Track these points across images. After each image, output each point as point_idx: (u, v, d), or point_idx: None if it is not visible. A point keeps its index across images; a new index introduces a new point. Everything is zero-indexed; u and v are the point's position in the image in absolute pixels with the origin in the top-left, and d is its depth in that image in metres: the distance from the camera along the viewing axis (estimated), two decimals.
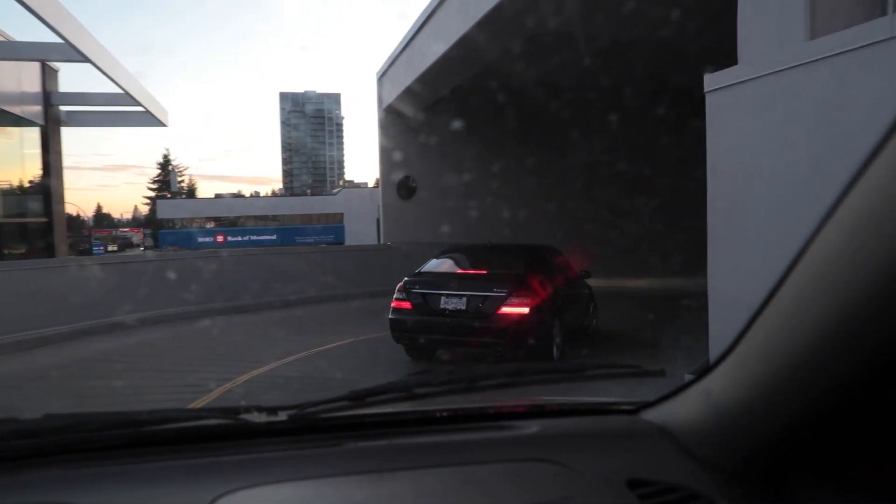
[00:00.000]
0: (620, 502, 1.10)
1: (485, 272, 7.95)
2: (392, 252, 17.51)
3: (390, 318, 7.79)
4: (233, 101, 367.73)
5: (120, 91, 15.89)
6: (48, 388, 7.30)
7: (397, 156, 18.75)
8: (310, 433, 1.26)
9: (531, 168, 17.94)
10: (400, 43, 16.81)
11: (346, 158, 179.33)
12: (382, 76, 18.86)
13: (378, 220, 21.95)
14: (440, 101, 17.28)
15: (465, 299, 7.35)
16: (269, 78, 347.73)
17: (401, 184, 18.98)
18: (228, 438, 1.23)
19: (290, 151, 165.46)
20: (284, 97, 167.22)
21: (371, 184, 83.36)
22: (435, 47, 13.58)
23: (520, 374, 1.47)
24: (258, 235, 49.60)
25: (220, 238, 48.75)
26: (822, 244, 0.84)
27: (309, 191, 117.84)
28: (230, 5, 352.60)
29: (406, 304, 7.67)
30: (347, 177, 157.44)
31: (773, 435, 1.02)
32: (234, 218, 60.26)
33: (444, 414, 1.39)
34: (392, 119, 18.78)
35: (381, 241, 19.27)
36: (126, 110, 18.63)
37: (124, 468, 1.11)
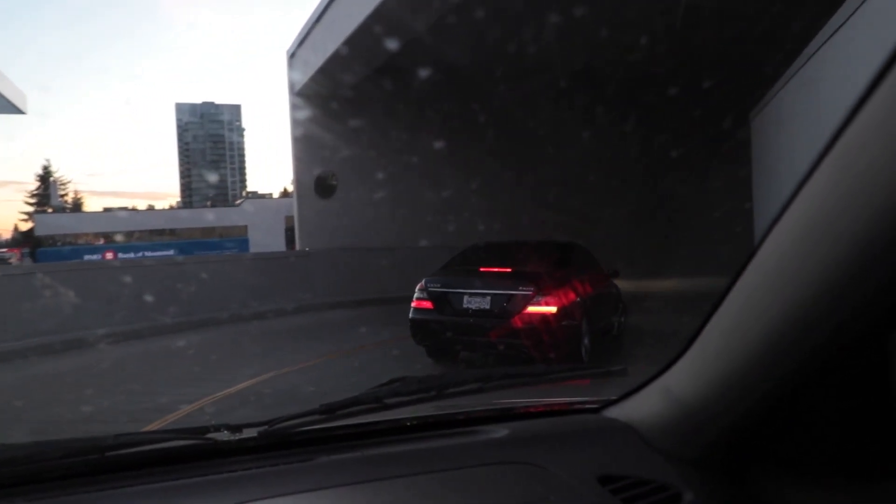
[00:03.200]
0: (593, 499, 1.13)
1: (509, 270, 7.47)
2: (312, 260, 14.88)
3: (411, 318, 7.48)
4: (125, 114, 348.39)
5: None
6: None
7: (314, 149, 16.13)
8: (281, 449, 1.24)
9: (476, 161, 15.86)
10: (316, 9, 14.23)
11: (248, 170, 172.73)
12: (294, 54, 16.19)
13: (287, 231, 19.38)
14: (367, 81, 14.81)
15: (489, 298, 7.01)
16: (165, 89, 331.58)
17: (319, 181, 16.35)
18: (198, 459, 1.19)
19: (189, 164, 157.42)
20: (181, 108, 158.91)
21: (276, 195, 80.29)
22: (361, 6, 11.19)
23: (489, 379, 1.54)
24: (153, 251, 45.23)
25: (109, 255, 44.25)
26: (773, 244, 0.88)
27: (209, 202, 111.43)
28: (120, 19, 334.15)
29: (427, 304, 7.34)
30: (251, 188, 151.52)
31: (731, 426, 1.06)
32: (127, 233, 55.60)
33: (416, 423, 1.38)
34: (307, 106, 16.13)
35: (298, 248, 16.50)
36: None
37: (91, 496, 1.07)
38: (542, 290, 6.87)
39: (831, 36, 6.87)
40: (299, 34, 15.68)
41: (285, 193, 69.10)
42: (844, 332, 0.82)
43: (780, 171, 10.57)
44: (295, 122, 16.42)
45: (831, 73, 6.95)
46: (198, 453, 1.21)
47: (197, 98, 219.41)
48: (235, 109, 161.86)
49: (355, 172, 16.04)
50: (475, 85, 15.59)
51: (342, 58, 12.99)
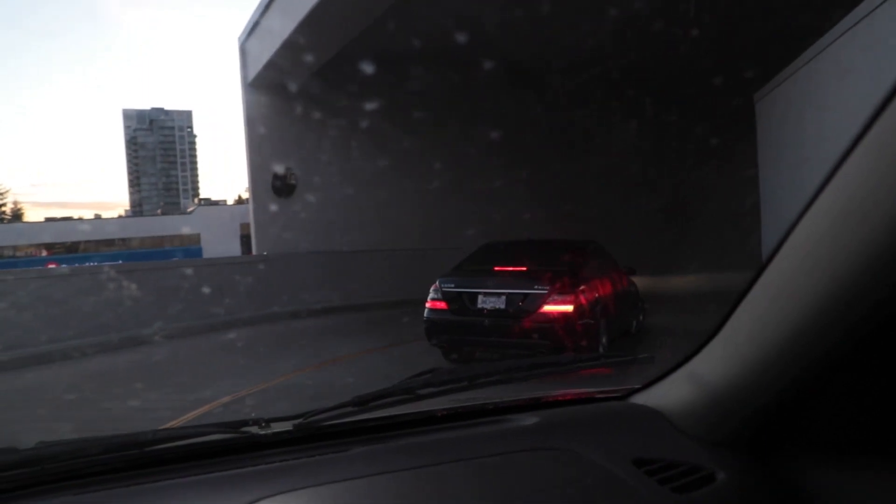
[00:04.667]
0: (631, 481, 1.14)
1: (525, 269, 7.33)
2: (271, 265, 13.54)
3: (425, 319, 7.39)
4: (71, 123, 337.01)
5: None
6: None
7: (270, 145, 14.80)
8: (315, 441, 1.26)
9: (454, 156, 14.75)
10: None
11: (201, 177, 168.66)
12: (246, 43, 14.83)
13: (244, 238, 17.99)
14: (329, 68, 13.56)
15: (504, 298, 6.92)
16: (112, 96, 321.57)
17: (277, 179, 15.01)
18: (235, 452, 1.21)
19: (138, 173, 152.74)
20: (129, 115, 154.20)
21: (231, 201, 78.13)
22: None
23: (517, 369, 1.54)
24: (101, 262, 43.09)
25: (52, 267, 41.84)
26: (806, 229, 0.91)
27: (160, 211, 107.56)
28: (65, 23, 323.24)
29: (441, 305, 7.26)
30: (204, 195, 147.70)
31: (761, 409, 1.09)
32: (72, 244, 52.94)
33: (447, 413, 1.40)
34: (262, 98, 14.79)
35: (256, 252, 15.10)
36: None
37: (132, 490, 1.09)
38: (557, 289, 6.73)
39: (852, 27, 6.91)
40: (251, 19, 14.34)
41: (240, 200, 67.11)
42: (877, 311, 0.85)
43: (787, 157, 9.74)
44: (249, 117, 15.05)
45: (852, 62, 7.05)
46: (234, 447, 1.22)
47: (145, 104, 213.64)
48: (186, 115, 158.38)
49: (320, 170, 14.75)
50: (452, 72, 14.48)
51: (298, 44, 11.72)
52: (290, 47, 12.19)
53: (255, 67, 14.31)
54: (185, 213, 70.84)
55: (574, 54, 14.89)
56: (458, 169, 15.06)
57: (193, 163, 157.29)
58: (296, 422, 1.26)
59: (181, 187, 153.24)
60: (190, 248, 44.28)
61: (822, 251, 0.87)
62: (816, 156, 8.36)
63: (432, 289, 7.42)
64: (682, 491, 1.11)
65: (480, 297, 7.00)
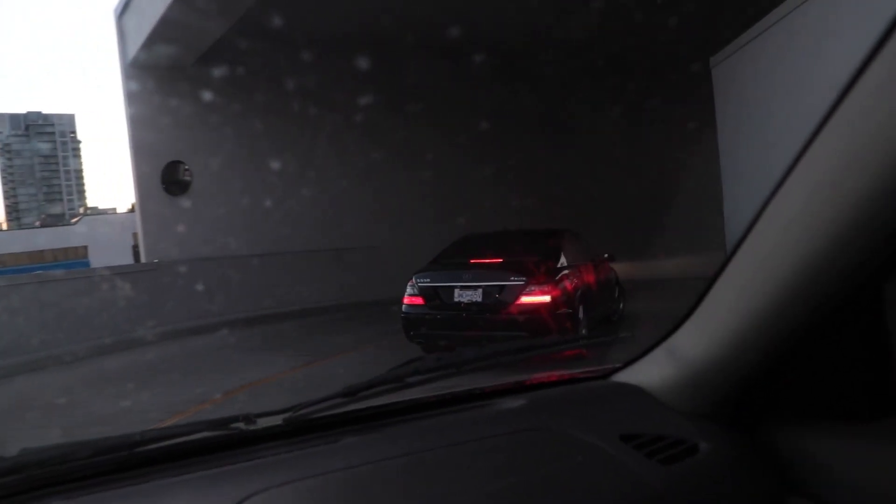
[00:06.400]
0: (618, 455, 1.17)
1: (500, 260, 7.31)
2: (162, 274, 11.58)
3: (402, 316, 7.24)
4: None
5: None
6: None
7: (159, 136, 12.76)
8: (307, 433, 1.26)
9: (372, 145, 13.27)
10: None
11: (87, 185, 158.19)
12: (124, 13, 12.70)
13: (135, 248, 15.85)
14: (222, 47, 11.72)
15: (480, 291, 6.86)
16: None
17: (168, 174, 12.99)
18: (225, 449, 1.19)
19: (14, 182, 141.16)
20: (0, 119, 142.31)
21: (122, 209, 73.18)
22: None
23: (502, 354, 1.55)
24: None
25: None
26: (781, 203, 0.95)
27: (38, 223, 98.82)
28: None
29: (417, 300, 7.14)
30: (92, 204, 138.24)
31: (742, 379, 1.16)
32: None
33: (435, 399, 1.42)
34: (146, 79, 12.71)
35: (145, 261, 12.94)
36: None
37: (123, 491, 1.06)
38: (534, 280, 6.68)
39: None
40: None
41: (133, 209, 62.49)
42: (849, 281, 0.92)
43: (749, 124, 8.90)
44: (132, 104, 12.92)
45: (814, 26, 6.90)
46: (224, 443, 1.21)
47: (20, 108, 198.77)
48: (69, 119, 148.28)
49: (222, 163, 12.86)
50: (369, 53, 12.97)
51: (190, 9, 9.88)
52: (173, 20, 10.30)
53: (136, 45, 12.23)
54: (68, 224, 66.40)
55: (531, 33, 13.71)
56: (366, 163, 13.59)
57: (79, 170, 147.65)
58: (285, 415, 1.25)
59: (66, 197, 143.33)
60: (76, 261, 39.96)
61: (795, 226, 0.93)
62: (779, 129, 7.72)
63: (408, 284, 7.27)
64: (669, 462, 1.15)
65: (457, 291, 6.91)
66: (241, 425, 1.21)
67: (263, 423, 1.22)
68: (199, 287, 11.45)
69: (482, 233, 8.43)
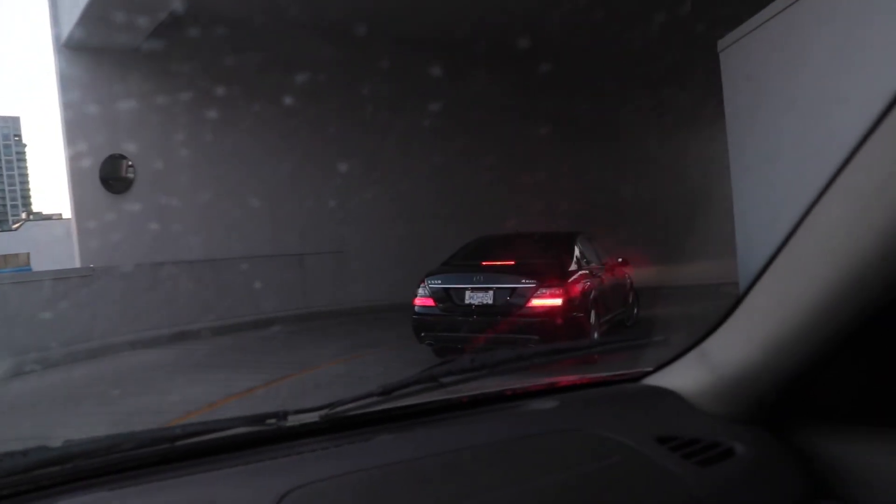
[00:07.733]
0: (656, 457, 1.17)
1: (512, 262, 7.24)
2: (103, 280, 10.20)
3: (413, 317, 7.21)
4: None
5: None
6: None
7: (97, 125, 11.36)
8: (342, 430, 1.28)
9: (329, 139, 12.13)
10: None
11: (32, 190, 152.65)
12: None
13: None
14: (166, 27, 10.43)
15: (491, 293, 6.84)
16: None
17: (108, 169, 11.56)
18: (263, 444, 1.22)
19: None
20: None
21: (67, 214, 70.30)
22: None
23: (536, 356, 1.57)
24: None
25: None
26: (824, 210, 0.95)
27: None
28: None
29: (428, 301, 7.14)
30: (37, 209, 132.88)
31: (777, 384, 1.15)
32: None
33: (468, 399, 1.44)
34: (82, 62, 11.30)
35: (80, 265, 11.45)
36: None
37: (163, 483, 1.08)
38: (545, 283, 6.67)
39: None
40: None
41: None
42: (892, 290, 0.91)
43: (761, 118, 8.07)
44: (65, 89, 11.48)
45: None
46: (262, 438, 1.23)
47: None
48: (13, 121, 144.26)
49: (169, 158, 11.53)
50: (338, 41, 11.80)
51: None
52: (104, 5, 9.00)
53: (67, 23, 10.82)
54: (9, 230, 63.65)
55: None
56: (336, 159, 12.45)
57: (23, 174, 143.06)
58: (322, 412, 1.27)
59: (9, 202, 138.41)
60: (17, 269, 38.20)
61: (839, 233, 0.93)
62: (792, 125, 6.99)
63: (420, 286, 7.23)
64: (706, 464, 1.14)
65: (468, 293, 6.91)
66: (279, 421, 1.23)
67: (298, 419, 1.24)
68: (142, 295, 10.14)
69: (495, 235, 8.37)
